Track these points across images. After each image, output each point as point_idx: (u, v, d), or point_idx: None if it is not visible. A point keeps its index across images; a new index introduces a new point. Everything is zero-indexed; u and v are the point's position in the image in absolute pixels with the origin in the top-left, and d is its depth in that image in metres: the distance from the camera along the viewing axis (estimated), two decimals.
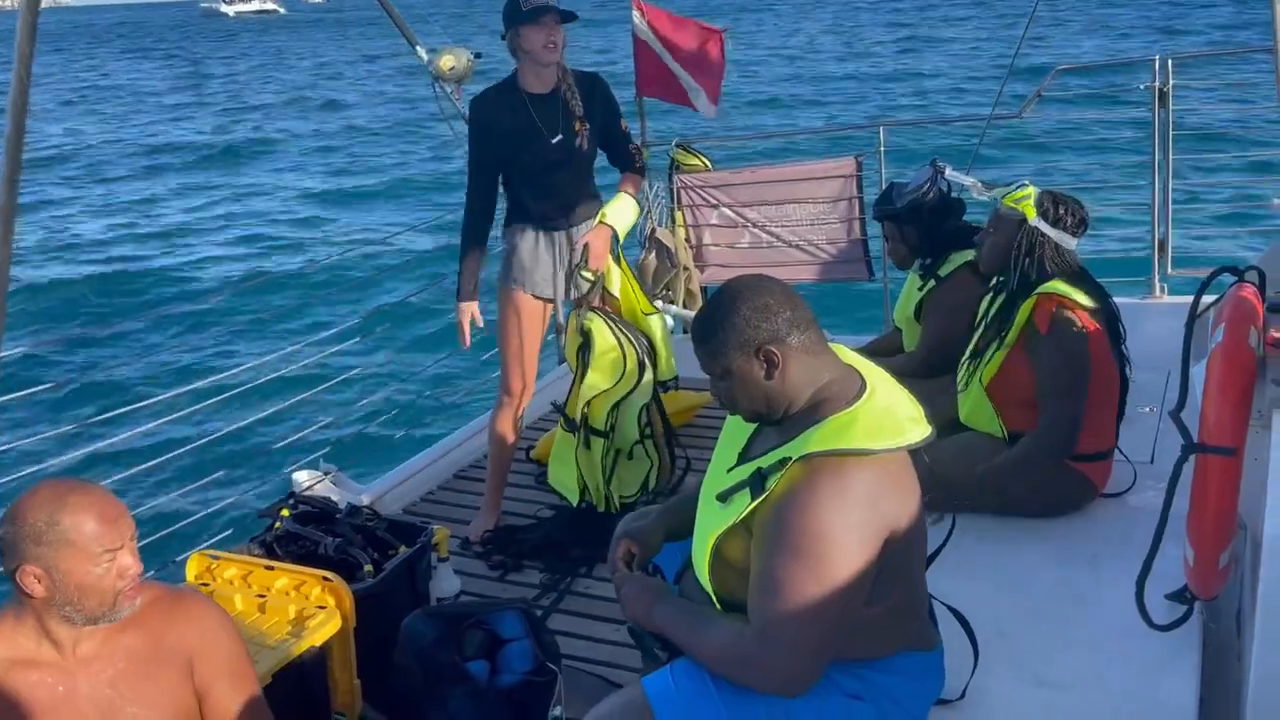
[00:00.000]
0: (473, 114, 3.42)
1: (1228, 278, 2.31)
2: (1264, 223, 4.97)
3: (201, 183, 18.11)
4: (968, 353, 3.04)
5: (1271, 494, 1.92)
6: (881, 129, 5.14)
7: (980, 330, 3.03)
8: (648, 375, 3.49)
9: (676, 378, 3.67)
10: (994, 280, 3.06)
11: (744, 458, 1.92)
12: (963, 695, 2.14)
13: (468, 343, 3.50)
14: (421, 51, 4.09)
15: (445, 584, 3.18)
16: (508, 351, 3.56)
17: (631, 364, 3.44)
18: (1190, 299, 2.34)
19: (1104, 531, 2.83)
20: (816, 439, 1.75)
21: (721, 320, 1.83)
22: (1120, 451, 3.04)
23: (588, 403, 3.45)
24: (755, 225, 5.26)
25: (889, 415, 1.80)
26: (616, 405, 3.49)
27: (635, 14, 5.07)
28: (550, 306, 3.62)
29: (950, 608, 2.17)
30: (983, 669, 2.18)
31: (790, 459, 1.75)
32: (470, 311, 3.48)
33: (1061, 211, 2.90)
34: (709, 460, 2.05)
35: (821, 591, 1.69)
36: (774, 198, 5.22)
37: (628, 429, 3.54)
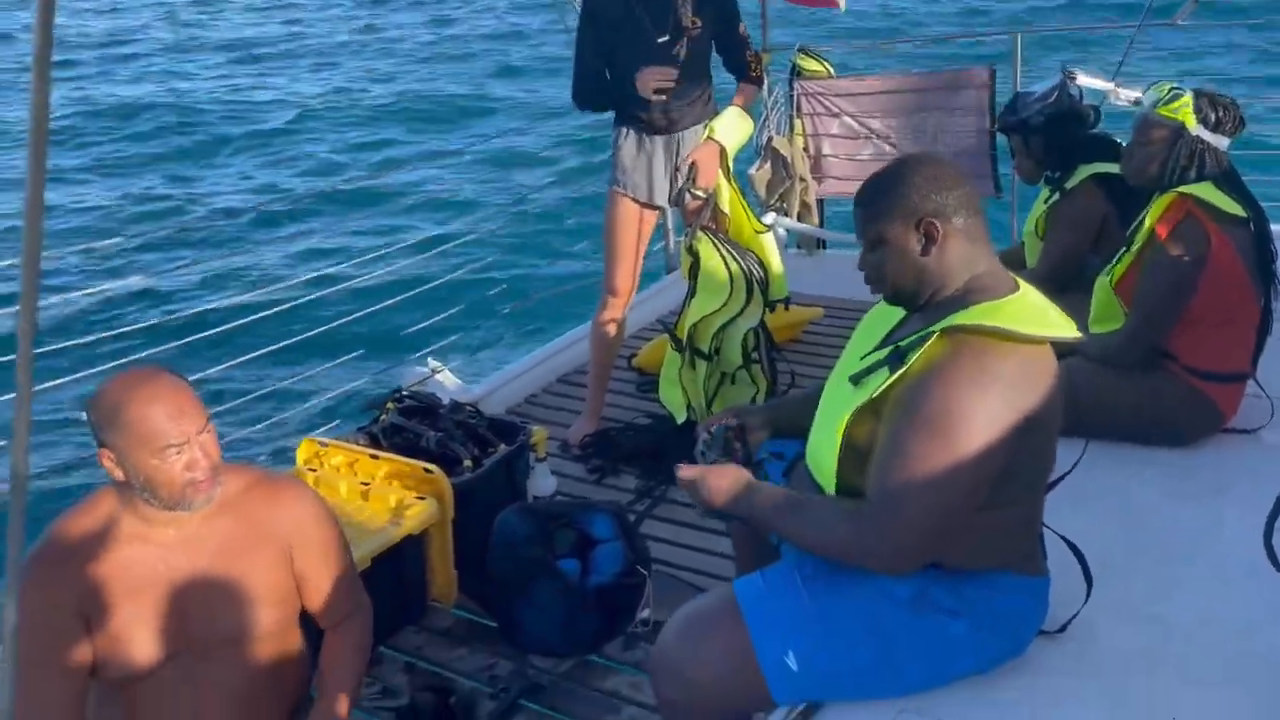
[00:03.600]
0: (584, 4, 3.34)
1: None
2: None
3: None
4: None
5: None
6: (1019, 36, 4.83)
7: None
8: (756, 299, 3.40)
9: (789, 297, 3.57)
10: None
11: (884, 344, 1.85)
12: (1063, 628, 2.06)
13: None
14: None
15: (542, 483, 3.22)
16: (611, 253, 3.53)
17: (739, 287, 3.36)
18: None
19: (1232, 467, 2.66)
20: (963, 316, 1.70)
21: (891, 184, 1.77)
22: (1256, 383, 2.84)
23: (694, 324, 3.40)
24: (878, 136, 5.04)
25: (1040, 310, 1.74)
26: (723, 328, 3.42)
27: None
28: (657, 212, 3.56)
29: (1064, 537, 2.07)
30: (1087, 602, 2.09)
31: (933, 333, 1.69)
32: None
33: (1221, 115, 2.68)
34: (811, 379, 1.98)
35: (949, 468, 1.63)
36: (899, 108, 4.98)
37: (732, 353, 3.47)
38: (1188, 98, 2.72)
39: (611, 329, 3.63)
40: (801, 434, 2.00)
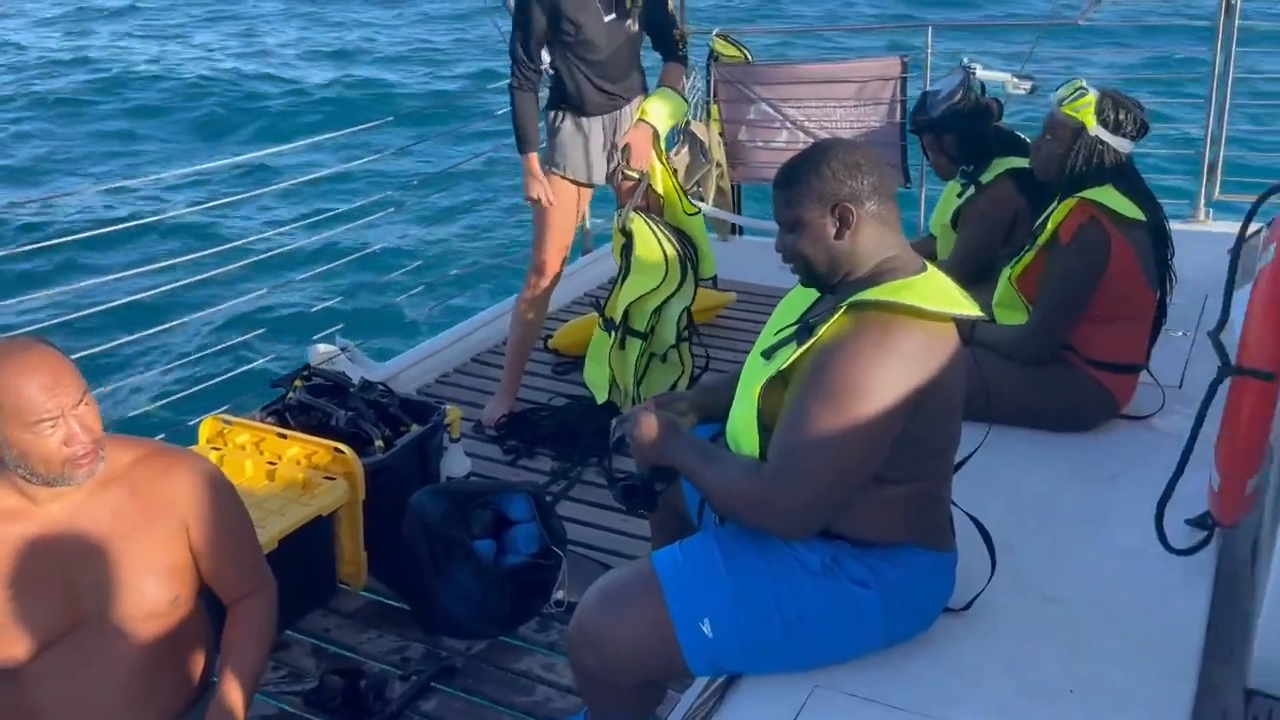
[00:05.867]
0: None
1: None
2: None
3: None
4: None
5: None
6: (930, 29, 4.94)
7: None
8: (690, 278, 3.43)
9: (715, 276, 3.61)
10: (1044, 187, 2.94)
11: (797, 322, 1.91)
12: (968, 606, 2.13)
13: (534, 193, 3.41)
14: None
15: (456, 464, 3.19)
16: (543, 232, 3.50)
17: (674, 267, 3.38)
18: (1235, 224, 2.23)
19: (1126, 452, 2.78)
20: (870, 292, 1.76)
21: (809, 169, 1.82)
22: (1150, 373, 2.96)
23: (629, 304, 3.40)
24: (793, 123, 5.10)
25: (946, 289, 1.81)
26: (658, 308, 3.44)
27: None
28: (589, 192, 3.55)
29: (972, 517, 2.14)
30: (991, 581, 2.16)
31: (841, 307, 1.75)
32: (535, 161, 3.40)
33: (1122, 117, 2.77)
34: (725, 363, 2.02)
35: (843, 435, 1.69)
36: (814, 96, 5.04)
37: (666, 332, 3.50)
38: (1091, 97, 2.80)
39: (535, 309, 3.61)
40: (725, 416, 2.03)
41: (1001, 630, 2.11)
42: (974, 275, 3.16)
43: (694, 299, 3.50)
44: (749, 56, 5.18)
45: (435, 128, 8.41)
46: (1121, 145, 2.79)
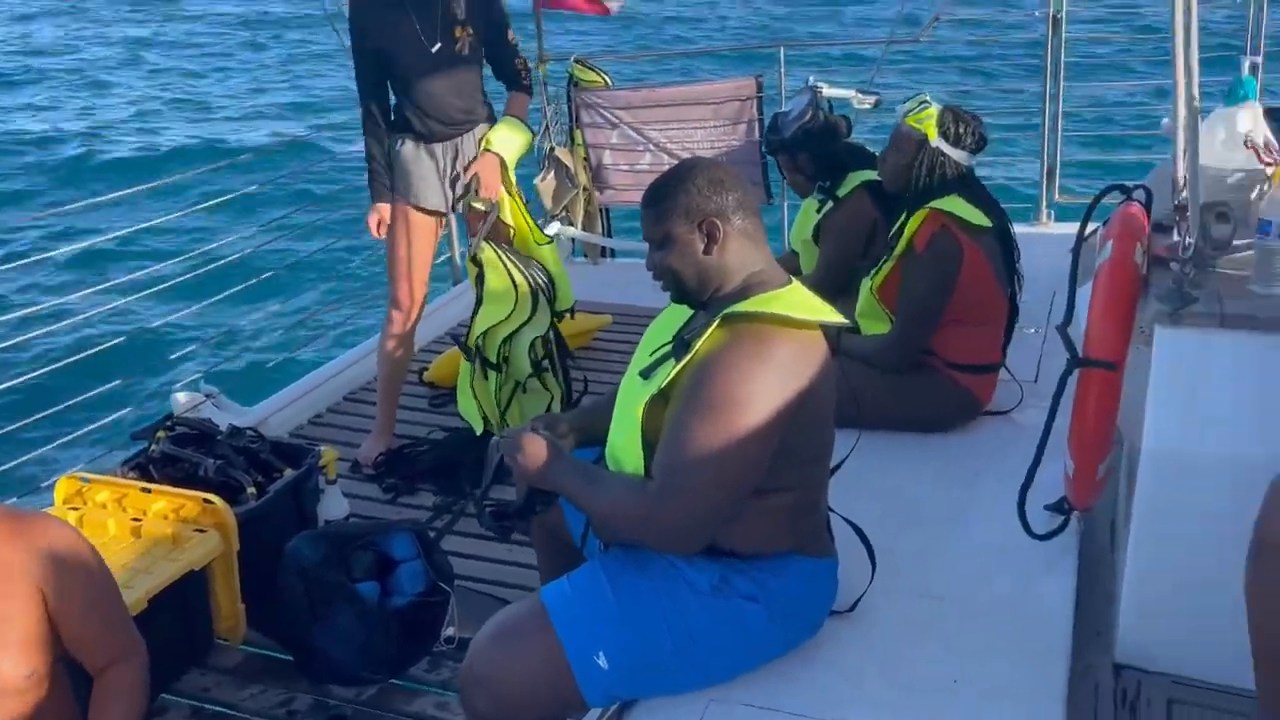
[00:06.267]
0: (350, 14, 3.25)
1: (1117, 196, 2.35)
2: (1149, 156, 5.11)
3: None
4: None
5: (1150, 408, 1.98)
6: (782, 49, 5.10)
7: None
8: (542, 308, 3.40)
9: (573, 306, 3.59)
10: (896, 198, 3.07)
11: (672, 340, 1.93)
12: (852, 608, 2.18)
13: (371, 221, 3.40)
14: None
15: (333, 507, 3.10)
16: (394, 265, 3.45)
17: (524, 297, 3.36)
18: (1076, 225, 2.38)
19: (988, 448, 2.91)
20: (741, 305, 1.80)
21: (675, 187, 1.86)
22: (1007, 370, 3.11)
23: (482, 334, 3.37)
24: (655, 146, 5.17)
25: (811, 300, 1.87)
26: (508, 338, 3.41)
27: None
28: (441, 221, 3.51)
29: (849, 521, 2.20)
30: (872, 582, 2.22)
31: (713, 322, 1.78)
32: (382, 213, 3.37)
33: (962, 130, 2.91)
34: (603, 385, 2.03)
35: (726, 448, 1.72)
36: (674, 118, 5.13)
37: (520, 362, 3.46)
38: (933, 110, 2.95)
39: (400, 343, 3.54)
40: (604, 439, 2.03)
41: (884, 630, 2.17)
42: (837, 287, 3.27)
43: (550, 327, 3.47)
44: (608, 81, 5.25)
45: (297, 162, 8.22)
46: (962, 157, 2.93)
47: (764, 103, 4.98)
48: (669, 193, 1.86)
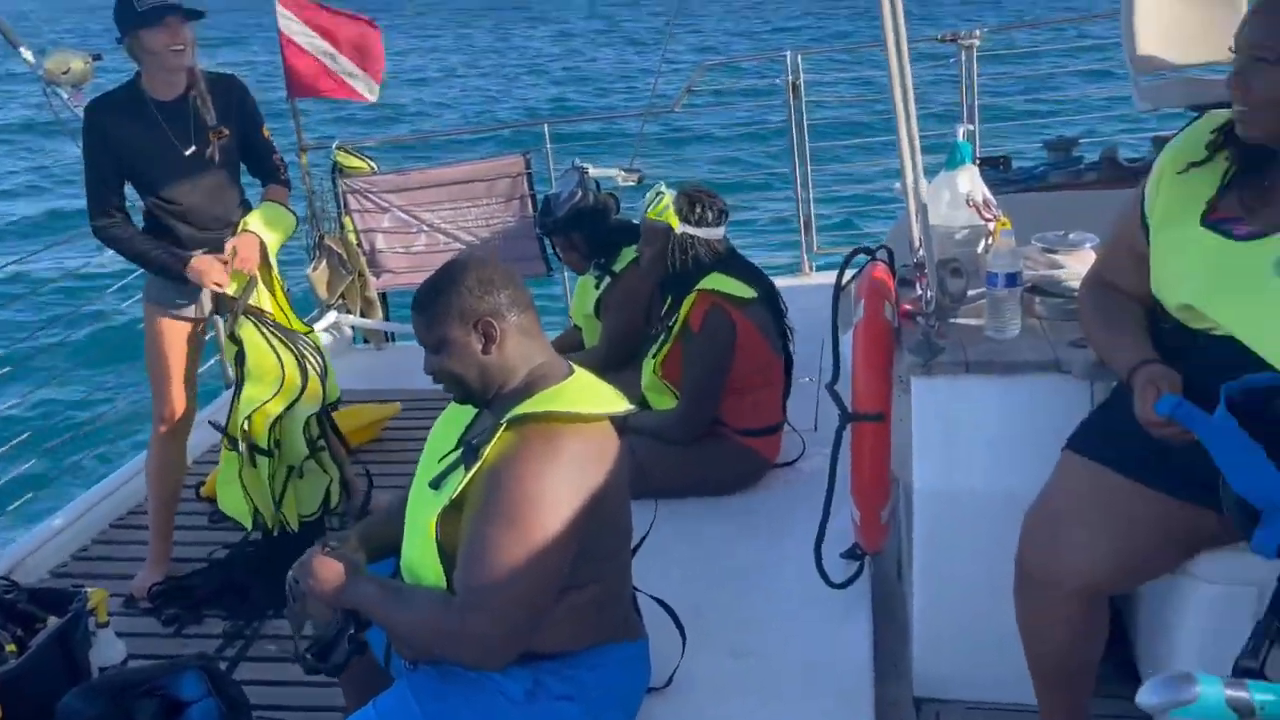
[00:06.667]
0: (90, 121, 3.05)
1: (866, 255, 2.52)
2: (893, 206, 5.54)
3: None
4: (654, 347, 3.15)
5: (915, 453, 2.11)
6: (546, 125, 5.21)
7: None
8: (313, 382, 3.23)
9: (339, 399, 3.44)
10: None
11: (459, 445, 1.89)
12: (668, 682, 2.20)
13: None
14: (27, 54, 3.60)
15: (108, 651, 2.83)
16: (158, 376, 3.23)
17: (291, 372, 3.18)
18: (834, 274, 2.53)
19: (780, 501, 3.02)
20: (526, 405, 1.78)
21: (446, 289, 1.83)
22: (789, 423, 3.25)
23: (248, 417, 3.16)
24: (429, 227, 5.14)
25: (596, 389, 1.88)
26: (279, 419, 3.22)
27: (280, 10, 4.77)
28: (202, 327, 3.32)
29: (653, 596, 2.21)
30: (684, 654, 2.25)
31: (501, 425, 1.75)
32: (201, 263, 3.08)
33: (700, 210, 3.05)
34: (397, 476, 1.97)
35: (529, 556, 1.69)
36: (446, 198, 5.12)
37: (295, 444, 3.25)
38: (668, 198, 3.08)
39: (171, 460, 3.31)
40: (397, 550, 1.96)
41: (701, 696, 2.20)
42: (623, 359, 3.34)
43: (323, 404, 3.31)
44: (373, 166, 5.18)
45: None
46: (712, 234, 3.07)
47: (534, 179, 5.06)
48: (439, 296, 1.84)
